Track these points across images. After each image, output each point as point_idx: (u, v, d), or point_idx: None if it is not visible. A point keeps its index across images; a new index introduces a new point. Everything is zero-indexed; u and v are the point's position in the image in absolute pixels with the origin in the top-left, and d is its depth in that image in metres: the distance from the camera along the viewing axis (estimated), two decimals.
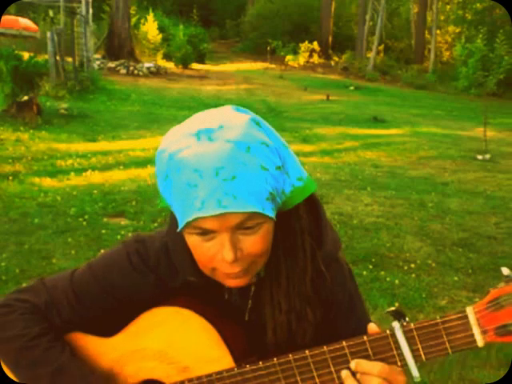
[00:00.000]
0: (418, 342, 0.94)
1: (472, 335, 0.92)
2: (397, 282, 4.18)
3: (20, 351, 1.06)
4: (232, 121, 0.95)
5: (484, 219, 5.92)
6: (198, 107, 13.36)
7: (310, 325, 1.08)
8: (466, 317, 0.92)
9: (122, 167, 7.20)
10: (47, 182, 6.25)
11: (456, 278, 4.35)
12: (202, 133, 0.93)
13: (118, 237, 4.73)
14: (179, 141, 0.96)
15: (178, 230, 0.97)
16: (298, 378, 0.99)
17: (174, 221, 1.04)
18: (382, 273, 4.32)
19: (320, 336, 1.07)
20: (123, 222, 5.21)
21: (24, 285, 3.62)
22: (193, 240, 0.97)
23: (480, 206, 6.43)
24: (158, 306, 1.09)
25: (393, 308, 0.98)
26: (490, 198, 6.82)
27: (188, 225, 0.94)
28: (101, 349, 1.12)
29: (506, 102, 19.75)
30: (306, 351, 0.98)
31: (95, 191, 6.02)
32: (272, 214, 0.97)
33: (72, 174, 6.67)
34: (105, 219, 5.21)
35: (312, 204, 1.09)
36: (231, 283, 1.00)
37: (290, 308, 1.07)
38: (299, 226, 1.06)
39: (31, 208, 5.36)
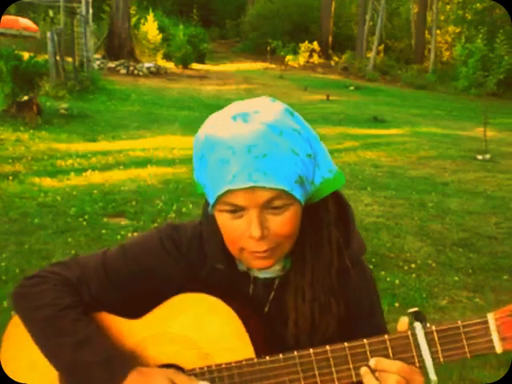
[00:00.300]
0: (438, 345, 0.96)
1: (491, 341, 0.93)
2: (397, 281, 4.18)
3: (48, 320, 1.08)
4: (267, 108, 1.00)
5: (484, 219, 5.92)
6: (197, 107, 13.36)
7: (333, 317, 1.09)
8: (486, 322, 0.94)
9: (122, 167, 7.20)
10: (47, 182, 6.25)
11: (456, 278, 4.35)
12: (238, 116, 0.98)
13: (118, 237, 4.73)
14: (216, 123, 1.00)
15: (210, 206, 1.01)
16: (317, 372, 1.00)
17: (208, 207, 1.08)
18: (383, 273, 4.32)
19: (339, 335, 1.08)
20: (123, 222, 5.21)
21: None
22: (223, 218, 1.01)
23: (480, 206, 6.43)
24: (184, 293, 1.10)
25: (414, 309, 0.99)
26: (490, 198, 6.82)
27: (219, 201, 0.98)
28: (125, 330, 1.12)
29: (506, 102, 19.74)
30: (327, 346, 1.00)
31: (95, 191, 6.02)
32: (300, 198, 0.99)
33: (72, 173, 6.67)
34: (105, 219, 5.21)
35: (341, 204, 1.12)
36: (257, 264, 1.02)
37: (314, 298, 1.08)
38: (327, 218, 1.08)
39: (31, 208, 5.36)
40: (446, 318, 3.69)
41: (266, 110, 1.00)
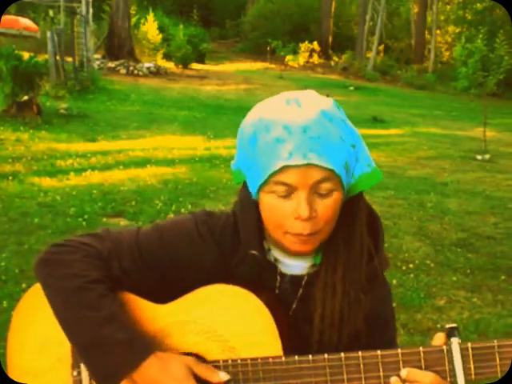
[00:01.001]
0: (472, 362, 0.95)
1: None
2: (395, 281, 4.19)
3: (75, 290, 1.06)
4: (318, 97, 1.07)
5: (483, 219, 5.93)
6: (197, 107, 13.36)
7: (360, 311, 1.09)
8: None
9: (121, 167, 7.21)
10: (47, 182, 6.26)
11: (454, 278, 4.36)
12: (291, 100, 1.03)
13: None
14: (269, 106, 1.05)
15: (257, 187, 1.03)
16: (345, 377, 0.99)
17: (244, 193, 1.11)
18: None
19: (366, 330, 1.09)
20: (122, 222, 5.22)
21: (24, 285, 3.60)
22: (270, 199, 1.03)
23: (479, 206, 6.44)
24: (213, 283, 1.09)
25: (452, 325, 0.98)
26: (489, 198, 6.83)
27: (269, 181, 1.00)
28: (150, 314, 1.11)
29: (505, 102, 19.77)
30: (359, 352, 0.99)
31: (95, 191, 6.03)
32: (345, 185, 1.03)
33: (72, 173, 6.67)
34: (104, 219, 5.22)
35: (372, 216, 1.15)
36: (297, 248, 1.04)
37: (345, 293, 1.09)
38: (359, 214, 1.11)
39: (31, 208, 5.37)
40: (444, 317, 3.70)
41: (317, 98, 1.05)
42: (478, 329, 3.53)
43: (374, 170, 1.10)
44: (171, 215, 5.36)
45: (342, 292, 1.09)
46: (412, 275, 4.38)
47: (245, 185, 1.11)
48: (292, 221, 1.01)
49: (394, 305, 3.78)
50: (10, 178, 6.28)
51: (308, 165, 0.98)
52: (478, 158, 9.47)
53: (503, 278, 4.38)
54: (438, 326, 3.55)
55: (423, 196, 6.76)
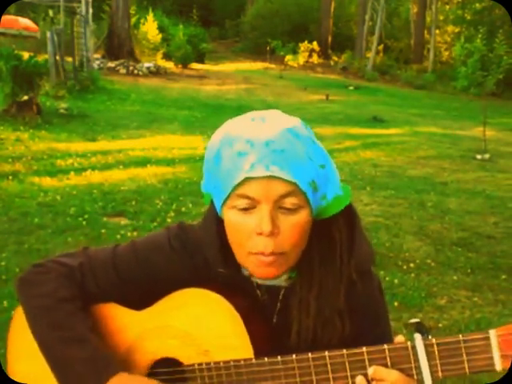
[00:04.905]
0: (437, 358, 0.93)
1: (491, 358, 0.91)
2: (396, 281, 4.19)
3: (44, 310, 1.09)
4: (284, 116, 1.05)
5: (483, 219, 5.93)
6: (197, 107, 13.36)
7: (335, 334, 1.08)
8: (488, 338, 0.91)
9: (121, 167, 7.21)
10: (47, 182, 6.26)
11: (455, 278, 4.36)
12: (256, 118, 1.02)
13: (118, 236, 4.74)
14: (233, 124, 1.03)
15: (221, 203, 1.01)
16: (314, 378, 1.00)
17: (209, 212, 1.10)
18: (382, 272, 4.32)
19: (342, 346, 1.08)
20: (123, 221, 5.22)
21: None
22: (232, 215, 1.00)
23: (479, 206, 6.44)
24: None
25: (415, 320, 0.97)
26: (489, 198, 6.83)
27: (232, 195, 0.98)
28: (128, 320, 1.13)
29: (505, 102, 19.77)
30: (326, 352, 0.99)
31: (95, 191, 6.03)
32: (312, 203, 1.00)
33: (72, 173, 6.67)
34: (104, 219, 5.22)
35: (349, 213, 1.11)
36: (261, 273, 1.02)
37: (319, 313, 1.07)
38: (339, 236, 1.08)
39: (31, 207, 5.37)
40: (445, 317, 3.70)
41: (283, 117, 1.04)
42: (479, 328, 3.53)
43: (345, 192, 1.07)
44: (172, 214, 5.36)
45: (315, 312, 1.07)
46: (413, 275, 4.38)
47: (212, 204, 1.10)
48: (254, 238, 0.99)
49: (396, 304, 3.78)
50: (10, 177, 6.27)
51: (271, 177, 0.95)
52: (477, 157, 9.47)
53: (504, 277, 4.39)
54: (440, 325, 3.56)
55: (423, 195, 6.76)
